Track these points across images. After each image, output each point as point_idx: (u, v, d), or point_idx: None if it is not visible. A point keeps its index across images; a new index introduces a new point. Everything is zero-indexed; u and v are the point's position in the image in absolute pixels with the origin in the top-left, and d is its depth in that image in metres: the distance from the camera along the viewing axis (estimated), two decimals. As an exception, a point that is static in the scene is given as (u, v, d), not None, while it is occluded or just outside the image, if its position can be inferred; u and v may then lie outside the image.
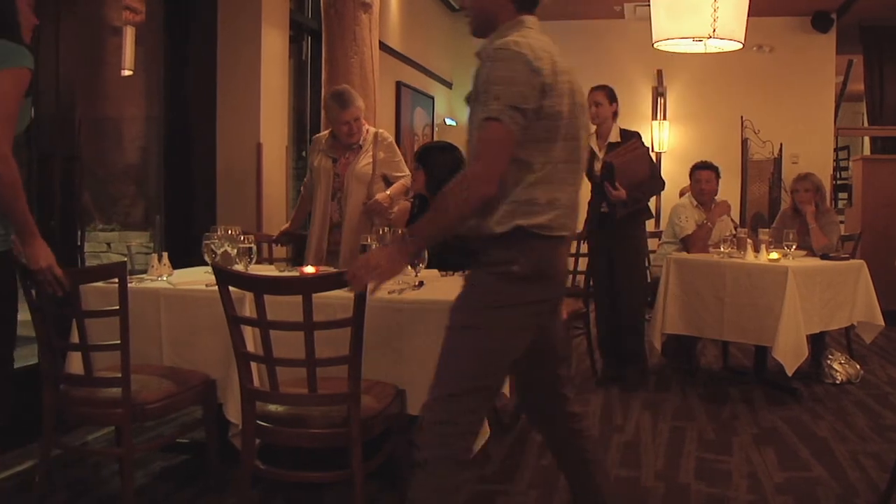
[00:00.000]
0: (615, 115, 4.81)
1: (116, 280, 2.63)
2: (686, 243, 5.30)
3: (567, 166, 2.12)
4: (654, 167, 4.81)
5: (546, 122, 2.04)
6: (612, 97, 4.78)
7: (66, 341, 2.88)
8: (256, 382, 2.59)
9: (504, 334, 2.11)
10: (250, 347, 2.67)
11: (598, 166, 4.71)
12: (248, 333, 2.71)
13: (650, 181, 4.81)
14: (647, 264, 4.93)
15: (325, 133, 4.38)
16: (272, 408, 2.57)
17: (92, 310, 2.80)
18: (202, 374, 2.91)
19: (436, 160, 3.66)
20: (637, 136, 4.80)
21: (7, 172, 2.35)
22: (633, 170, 4.60)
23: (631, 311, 4.83)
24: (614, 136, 4.77)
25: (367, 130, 4.23)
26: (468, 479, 3.15)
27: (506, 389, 3.29)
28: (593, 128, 4.77)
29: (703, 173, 5.38)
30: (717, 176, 5.44)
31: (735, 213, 7.35)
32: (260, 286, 2.43)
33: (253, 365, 2.58)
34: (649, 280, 5.43)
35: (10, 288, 2.52)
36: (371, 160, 4.17)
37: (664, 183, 5.06)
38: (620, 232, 4.76)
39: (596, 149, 4.77)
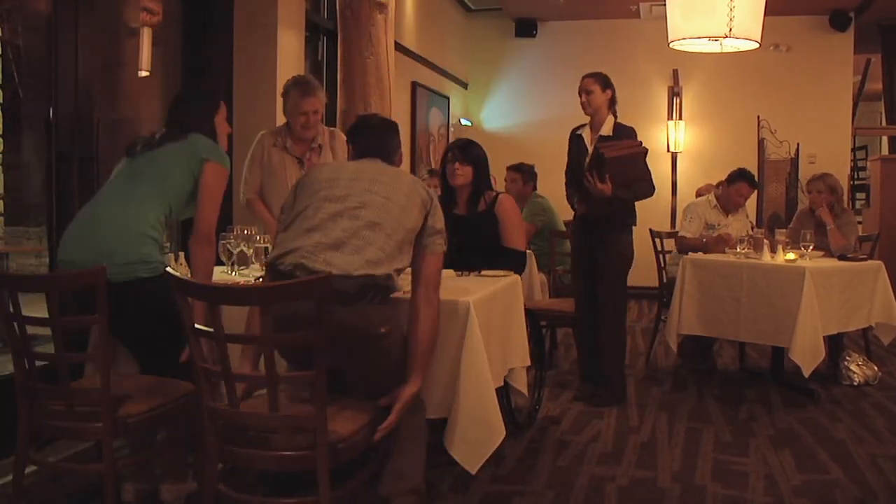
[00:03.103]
0: (611, 103, 4.32)
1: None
2: (682, 242, 5.38)
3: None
4: (648, 171, 4.28)
5: None
6: (605, 84, 4.30)
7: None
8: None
9: None
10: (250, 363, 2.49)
11: (587, 161, 4.27)
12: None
13: (642, 182, 4.26)
14: (629, 270, 4.45)
15: (273, 130, 4.09)
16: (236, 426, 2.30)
17: (70, 316, 2.60)
18: (188, 384, 2.63)
19: (477, 154, 3.78)
20: (632, 132, 4.30)
21: (208, 252, 2.77)
22: (626, 168, 4.13)
23: (610, 328, 4.37)
24: (607, 130, 4.29)
25: (324, 129, 4.00)
26: (483, 479, 3.16)
27: (524, 388, 3.32)
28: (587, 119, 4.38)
29: (744, 189, 5.37)
30: (753, 190, 5.48)
31: (752, 213, 7.33)
32: (213, 296, 2.19)
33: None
34: (665, 281, 5.42)
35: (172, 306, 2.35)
36: (332, 159, 3.96)
37: (655, 188, 4.38)
38: (602, 234, 4.32)
39: (587, 141, 4.36)
